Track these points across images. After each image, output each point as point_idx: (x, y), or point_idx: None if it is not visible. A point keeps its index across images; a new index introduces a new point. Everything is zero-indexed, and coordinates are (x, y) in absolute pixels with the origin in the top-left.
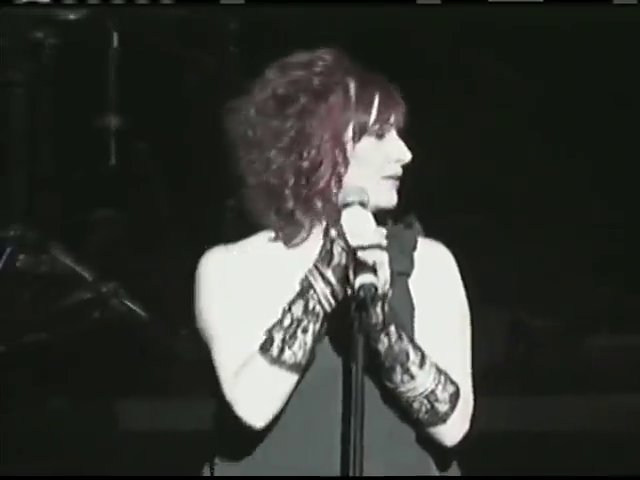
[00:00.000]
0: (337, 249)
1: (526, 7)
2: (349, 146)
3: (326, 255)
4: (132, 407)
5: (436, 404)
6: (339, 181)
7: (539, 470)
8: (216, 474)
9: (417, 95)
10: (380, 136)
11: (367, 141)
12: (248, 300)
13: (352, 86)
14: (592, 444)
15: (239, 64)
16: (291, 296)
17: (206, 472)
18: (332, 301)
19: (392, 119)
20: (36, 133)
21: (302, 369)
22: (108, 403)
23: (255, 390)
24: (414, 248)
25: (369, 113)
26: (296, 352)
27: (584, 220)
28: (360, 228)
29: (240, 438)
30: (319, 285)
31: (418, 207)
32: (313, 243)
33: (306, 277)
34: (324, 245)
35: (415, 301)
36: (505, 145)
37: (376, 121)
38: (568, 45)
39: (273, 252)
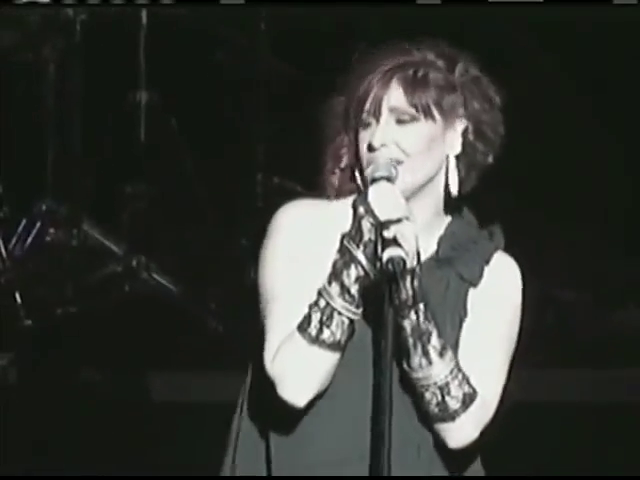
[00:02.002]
0: (366, 225)
1: (526, 7)
2: (351, 135)
3: (356, 233)
4: (162, 379)
5: (447, 398)
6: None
7: (565, 442)
8: (239, 448)
9: None
10: (362, 125)
11: (358, 131)
12: (314, 263)
13: (367, 82)
14: (621, 416)
15: (269, 43)
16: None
17: (229, 447)
18: (365, 282)
19: (369, 107)
20: (67, 109)
21: (342, 347)
22: (138, 375)
23: (296, 369)
24: (487, 261)
25: (349, 105)
26: (334, 331)
27: (611, 195)
28: (386, 202)
29: (269, 410)
30: (352, 269)
31: None
32: None
33: (337, 259)
34: (353, 223)
35: (470, 308)
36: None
37: (356, 112)
38: (568, 45)
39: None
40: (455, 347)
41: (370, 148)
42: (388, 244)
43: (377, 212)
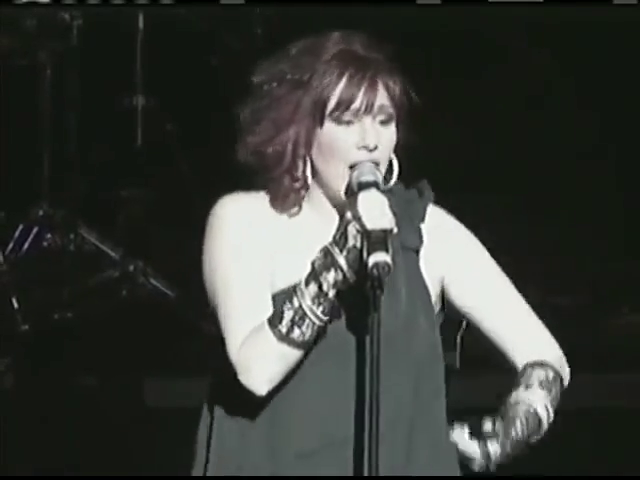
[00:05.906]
0: (352, 231)
1: (526, 7)
2: (308, 129)
3: (340, 237)
4: (159, 385)
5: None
6: (304, 162)
7: (557, 448)
8: (214, 437)
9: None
10: (343, 122)
11: (329, 126)
12: (262, 254)
13: (322, 72)
14: (610, 422)
15: (265, 46)
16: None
17: (202, 436)
18: (343, 286)
19: (359, 106)
20: (63, 113)
21: (309, 345)
22: (136, 381)
23: (263, 362)
24: (422, 220)
25: (326, 98)
26: (305, 332)
27: (602, 201)
28: (375, 212)
29: (242, 406)
30: (331, 273)
31: (439, 189)
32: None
33: (318, 260)
34: (339, 227)
35: (426, 276)
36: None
37: (337, 107)
38: (568, 45)
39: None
40: (433, 321)
41: (365, 148)
42: (373, 249)
43: (365, 220)
